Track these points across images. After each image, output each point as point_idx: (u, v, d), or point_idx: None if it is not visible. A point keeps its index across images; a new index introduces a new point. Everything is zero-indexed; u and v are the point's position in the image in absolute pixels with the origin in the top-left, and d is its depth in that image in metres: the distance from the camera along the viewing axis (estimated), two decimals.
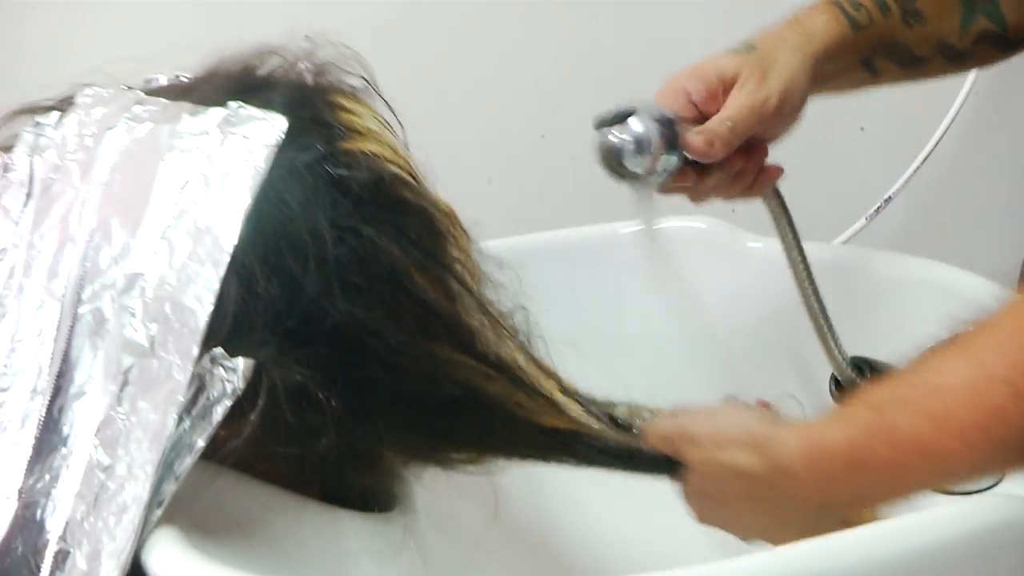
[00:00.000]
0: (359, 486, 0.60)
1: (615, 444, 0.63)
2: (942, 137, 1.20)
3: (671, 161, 0.68)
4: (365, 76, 0.61)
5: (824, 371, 0.79)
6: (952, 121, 1.20)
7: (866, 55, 0.75)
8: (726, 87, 0.70)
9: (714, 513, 0.61)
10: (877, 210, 1.19)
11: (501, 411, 0.58)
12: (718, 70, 0.70)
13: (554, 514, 0.74)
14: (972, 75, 1.18)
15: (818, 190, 1.30)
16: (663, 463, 0.62)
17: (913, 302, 0.82)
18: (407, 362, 0.54)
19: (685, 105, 0.70)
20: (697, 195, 0.74)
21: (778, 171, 0.75)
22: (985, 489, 0.72)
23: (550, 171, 1.20)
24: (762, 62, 0.70)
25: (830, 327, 0.77)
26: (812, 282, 0.77)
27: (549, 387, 0.62)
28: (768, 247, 0.83)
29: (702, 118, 0.70)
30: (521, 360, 0.61)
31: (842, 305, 0.80)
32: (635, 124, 0.67)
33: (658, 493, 0.63)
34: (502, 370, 0.58)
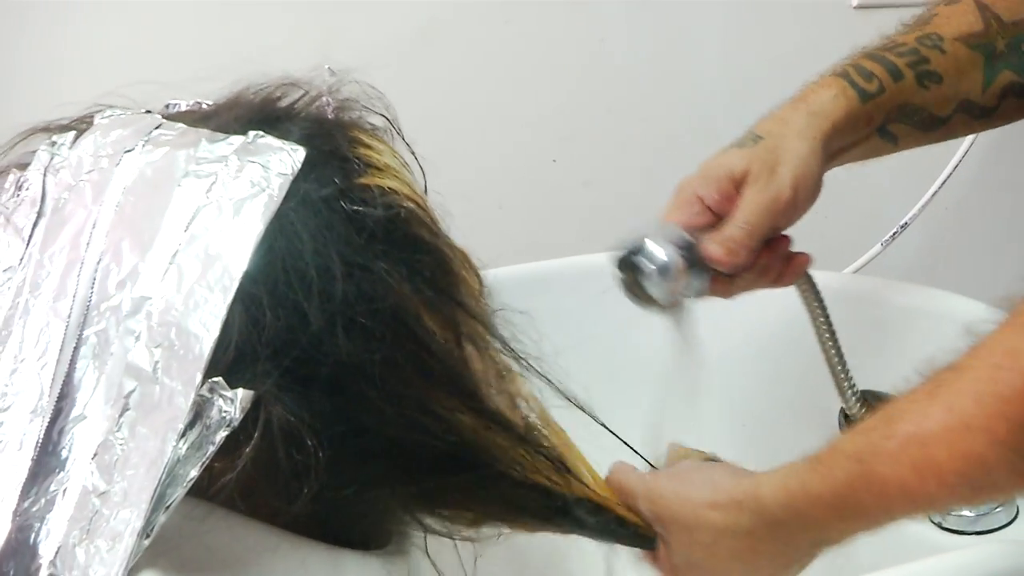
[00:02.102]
0: (353, 526, 0.59)
1: (612, 516, 0.62)
2: (960, 161, 1.19)
3: (697, 281, 0.68)
4: (387, 115, 0.60)
5: (833, 404, 0.79)
6: (971, 145, 1.19)
7: (881, 124, 0.74)
8: (737, 185, 0.69)
9: None
10: (893, 236, 1.18)
11: (499, 468, 0.57)
12: (727, 170, 0.69)
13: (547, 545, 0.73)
14: None
15: (832, 215, 1.29)
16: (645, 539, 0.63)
17: (925, 334, 0.81)
18: (401, 413, 0.54)
19: (701, 212, 0.69)
20: (727, 295, 0.73)
21: (806, 259, 0.74)
22: (994, 530, 0.72)
23: (561, 196, 1.20)
24: (770, 154, 0.70)
25: (843, 364, 0.77)
26: (832, 338, 0.77)
27: (554, 444, 0.61)
28: None
29: (718, 222, 0.69)
30: (520, 415, 0.60)
31: (852, 336, 0.80)
32: (656, 252, 0.67)
33: None
34: (503, 424, 0.58)
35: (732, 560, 0.59)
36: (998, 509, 0.72)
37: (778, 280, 0.73)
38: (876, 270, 1.16)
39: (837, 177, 1.25)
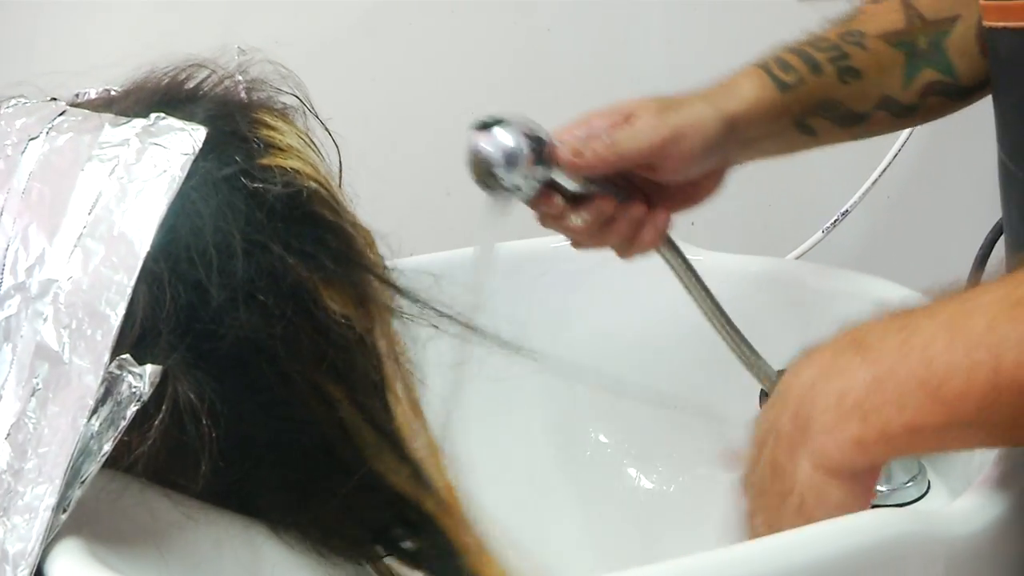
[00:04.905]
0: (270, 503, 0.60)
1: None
2: (900, 150, 1.21)
3: (537, 173, 0.67)
4: (299, 95, 0.61)
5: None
6: (911, 134, 1.20)
7: (799, 116, 0.75)
8: (627, 121, 0.69)
9: None
10: (834, 223, 1.19)
11: (362, 466, 0.58)
12: (624, 106, 0.70)
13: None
14: None
15: (774, 203, 1.31)
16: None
17: (847, 316, 0.82)
18: (290, 395, 0.55)
19: None
20: (575, 237, 0.72)
21: (665, 217, 0.72)
22: (906, 504, 0.73)
23: None
24: (668, 103, 0.70)
25: (750, 350, 0.77)
26: (722, 318, 0.76)
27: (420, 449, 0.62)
28: (709, 260, 0.85)
29: None
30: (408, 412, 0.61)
31: (790, 320, 0.81)
32: (504, 136, 0.66)
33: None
34: (378, 425, 0.58)
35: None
36: (908, 484, 0.73)
37: (633, 244, 0.72)
38: (817, 257, 1.18)
39: (779, 166, 1.27)
